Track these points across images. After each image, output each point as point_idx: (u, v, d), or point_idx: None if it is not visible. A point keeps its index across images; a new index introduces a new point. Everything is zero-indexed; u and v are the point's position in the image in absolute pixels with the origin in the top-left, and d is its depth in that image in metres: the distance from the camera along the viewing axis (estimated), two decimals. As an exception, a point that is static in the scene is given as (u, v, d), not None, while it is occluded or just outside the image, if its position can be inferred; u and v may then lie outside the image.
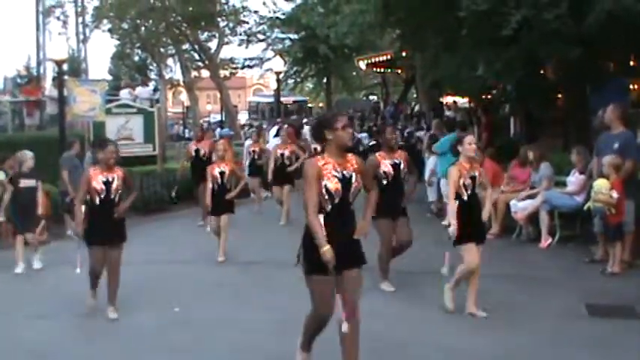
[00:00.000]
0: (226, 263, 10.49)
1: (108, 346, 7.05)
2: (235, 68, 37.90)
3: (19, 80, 33.08)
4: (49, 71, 32.35)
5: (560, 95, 14.90)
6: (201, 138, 14.75)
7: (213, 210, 10.71)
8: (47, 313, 8.22)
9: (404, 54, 21.25)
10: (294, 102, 39.00)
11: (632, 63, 15.14)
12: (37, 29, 33.64)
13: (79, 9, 35.24)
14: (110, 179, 7.93)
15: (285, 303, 7.84)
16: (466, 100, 24.13)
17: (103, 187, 7.88)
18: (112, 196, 7.95)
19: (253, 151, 16.18)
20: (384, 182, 8.22)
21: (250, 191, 15.51)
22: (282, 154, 14.02)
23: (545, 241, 10.83)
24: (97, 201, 7.90)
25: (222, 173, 10.62)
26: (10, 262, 10.90)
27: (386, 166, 8.35)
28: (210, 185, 10.59)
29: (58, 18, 33.16)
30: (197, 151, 14.20)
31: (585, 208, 9.60)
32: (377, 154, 8.62)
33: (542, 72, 14.68)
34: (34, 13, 33.86)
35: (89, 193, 7.95)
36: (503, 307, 7.73)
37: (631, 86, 16.42)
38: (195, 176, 13.61)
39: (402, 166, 8.47)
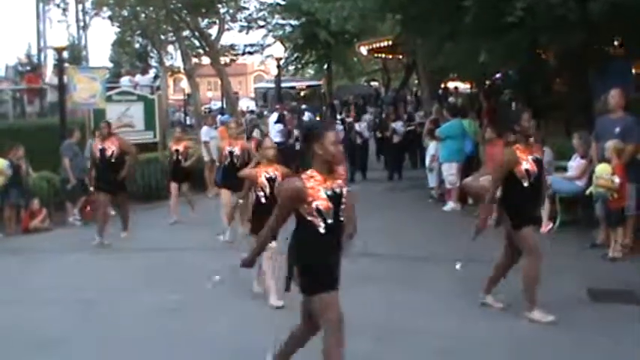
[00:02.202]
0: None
1: (112, 330, 7.08)
2: (236, 55, 37.82)
3: (19, 68, 32.90)
4: (50, 59, 32.33)
5: (560, 80, 14.86)
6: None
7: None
8: (51, 298, 8.26)
9: (405, 40, 21.18)
10: (308, 87, 38.77)
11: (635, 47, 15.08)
12: (38, 17, 33.70)
13: (80, -5, 35.19)
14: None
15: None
16: (468, 85, 24.10)
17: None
18: None
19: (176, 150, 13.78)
20: (525, 184, 6.84)
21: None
22: (230, 152, 11.19)
23: (546, 226, 10.80)
24: None
25: (270, 179, 7.94)
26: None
27: (528, 162, 6.83)
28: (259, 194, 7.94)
29: (58, 5, 33.17)
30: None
31: (587, 193, 9.58)
32: (514, 147, 6.97)
33: (543, 57, 14.63)
34: (35, 0, 33.85)
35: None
36: (504, 292, 7.71)
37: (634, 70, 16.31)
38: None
39: (542, 162, 7.16)
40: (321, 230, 4.82)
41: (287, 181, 5.22)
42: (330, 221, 4.83)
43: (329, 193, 4.83)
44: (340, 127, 19.01)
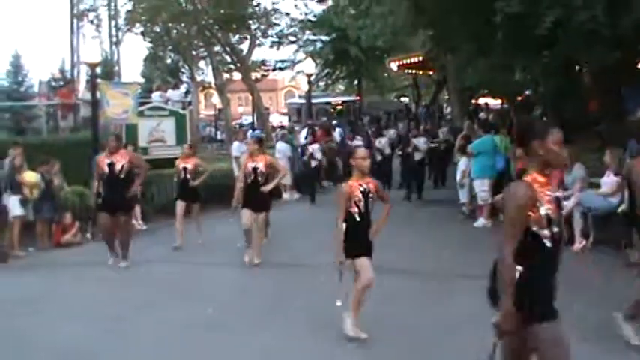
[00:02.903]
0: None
1: (139, 342, 7.14)
2: (267, 70, 38.07)
3: (53, 83, 33.42)
4: (83, 74, 32.81)
5: (593, 95, 14.77)
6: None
7: None
8: (82, 312, 8.34)
9: (435, 55, 21.21)
10: (344, 102, 38.90)
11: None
12: (72, 33, 34.16)
13: (112, 13, 35.80)
14: None
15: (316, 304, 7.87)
16: (498, 101, 24.03)
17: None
18: None
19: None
20: None
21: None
22: (254, 169, 10.70)
23: (579, 243, 10.73)
24: None
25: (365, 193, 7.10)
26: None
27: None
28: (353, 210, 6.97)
29: (92, 22, 33.82)
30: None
31: (619, 210, 9.49)
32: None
33: (578, 76, 14.60)
34: (69, 16, 34.41)
35: None
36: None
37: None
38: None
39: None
40: (547, 243, 4.18)
41: (515, 189, 4.27)
42: (555, 230, 4.20)
43: (552, 197, 4.25)
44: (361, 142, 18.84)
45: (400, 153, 19.29)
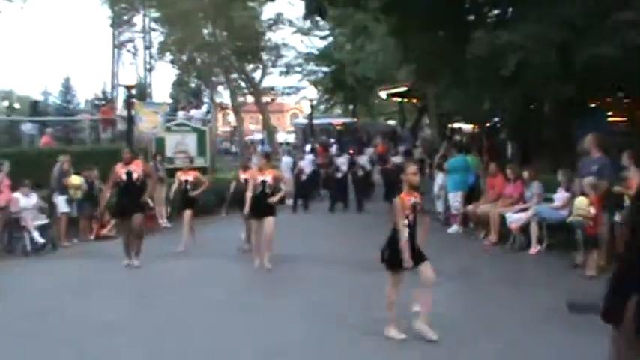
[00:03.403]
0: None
1: (165, 321, 7.24)
2: (275, 95, 38.19)
3: (96, 102, 33.69)
4: (121, 95, 32.98)
5: (549, 124, 14.97)
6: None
7: None
8: (116, 293, 8.53)
9: (418, 86, 21.39)
10: (343, 124, 39.07)
11: (609, 99, 15.28)
12: (113, 60, 34.44)
13: (147, 44, 36.02)
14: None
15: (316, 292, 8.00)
16: (470, 126, 24.16)
17: None
18: None
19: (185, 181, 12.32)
20: None
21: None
22: (263, 182, 10.28)
23: (535, 248, 10.88)
24: None
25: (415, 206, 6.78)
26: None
27: None
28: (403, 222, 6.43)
29: (129, 51, 33.97)
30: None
31: (568, 221, 9.66)
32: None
33: (537, 107, 14.84)
34: (111, 47, 34.67)
35: None
36: (499, 303, 7.82)
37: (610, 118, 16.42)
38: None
39: None
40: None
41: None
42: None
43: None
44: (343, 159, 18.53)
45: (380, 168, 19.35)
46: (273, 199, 10.19)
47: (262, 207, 10.09)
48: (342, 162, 18.16)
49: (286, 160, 18.96)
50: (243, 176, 11.48)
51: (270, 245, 10.06)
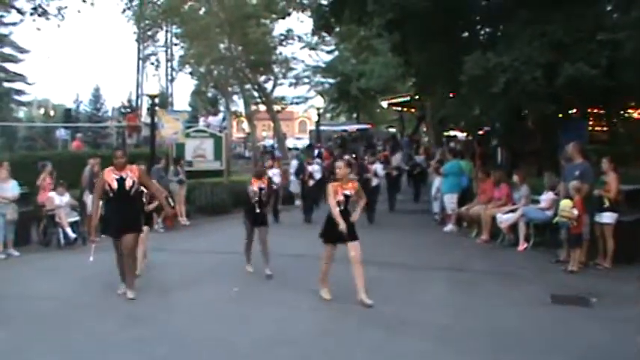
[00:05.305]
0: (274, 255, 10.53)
1: (180, 316, 7.25)
2: (285, 104, 38.24)
3: (122, 110, 33.84)
4: (145, 103, 33.24)
5: (535, 133, 15.09)
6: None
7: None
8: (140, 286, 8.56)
9: (417, 97, 21.48)
10: (357, 130, 39.03)
11: (589, 110, 15.38)
12: (137, 71, 34.66)
13: (169, 57, 36.22)
14: None
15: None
16: (464, 134, 24.20)
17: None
18: None
19: None
20: None
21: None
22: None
23: (522, 245, 10.96)
24: None
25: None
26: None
27: None
28: None
29: (152, 63, 34.09)
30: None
31: (554, 222, 9.72)
32: None
33: (523, 118, 14.96)
34: (136, 59, 34.88)
35: None
36: (488, 295, 7.89)
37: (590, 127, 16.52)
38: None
39: None
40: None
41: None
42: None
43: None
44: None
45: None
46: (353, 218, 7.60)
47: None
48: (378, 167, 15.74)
49: (294, 163, 18.98)
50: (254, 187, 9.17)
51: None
